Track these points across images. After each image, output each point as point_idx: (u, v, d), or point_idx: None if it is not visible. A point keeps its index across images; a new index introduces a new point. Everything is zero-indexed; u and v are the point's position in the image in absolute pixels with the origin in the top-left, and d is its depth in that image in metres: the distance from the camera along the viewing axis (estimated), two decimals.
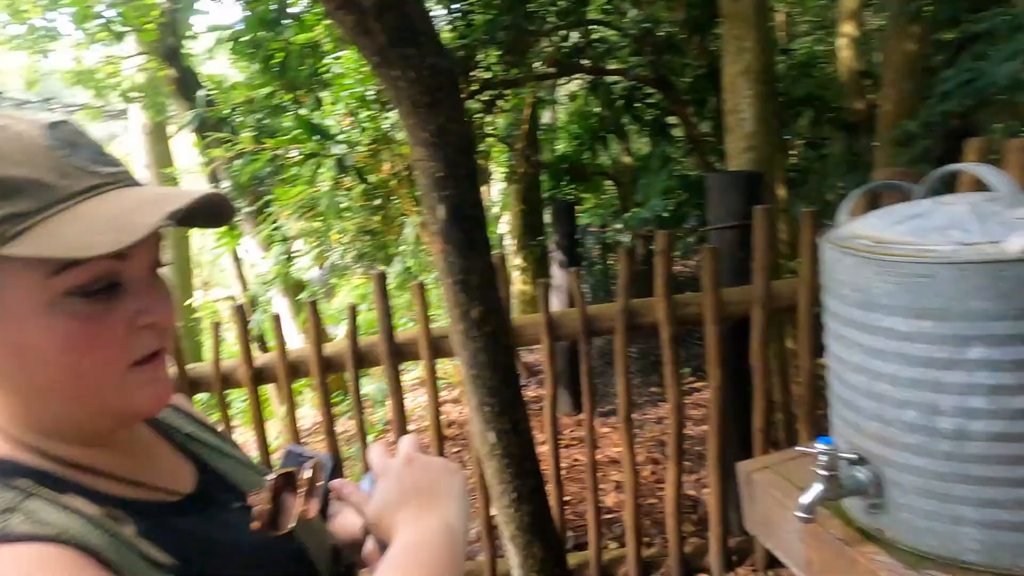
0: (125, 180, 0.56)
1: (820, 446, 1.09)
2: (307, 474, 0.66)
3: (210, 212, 0.59)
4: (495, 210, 8.56)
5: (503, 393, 1.67)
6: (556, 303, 4.82)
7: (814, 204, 4.17)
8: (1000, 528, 0.97)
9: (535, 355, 6.00)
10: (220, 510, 0.66)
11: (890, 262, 0.96)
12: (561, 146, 8.23)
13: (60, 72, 6.87)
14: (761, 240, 2.22)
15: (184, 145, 11.33)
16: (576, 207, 8.79)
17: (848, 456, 1.09)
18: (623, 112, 5.38)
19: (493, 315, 1.68)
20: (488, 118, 5.74)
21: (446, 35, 5.22)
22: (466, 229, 1.62)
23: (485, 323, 1.66)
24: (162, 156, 8.87)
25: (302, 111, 3.70)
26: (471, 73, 4.94)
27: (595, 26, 4.91)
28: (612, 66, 5.19)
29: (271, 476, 0.66)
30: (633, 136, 7.78)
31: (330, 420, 2.56)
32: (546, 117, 9.01)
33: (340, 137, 4.31)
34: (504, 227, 7.72)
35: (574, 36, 4.72)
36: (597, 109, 6.90)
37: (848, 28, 4.10)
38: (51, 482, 0.54)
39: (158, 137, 8.93)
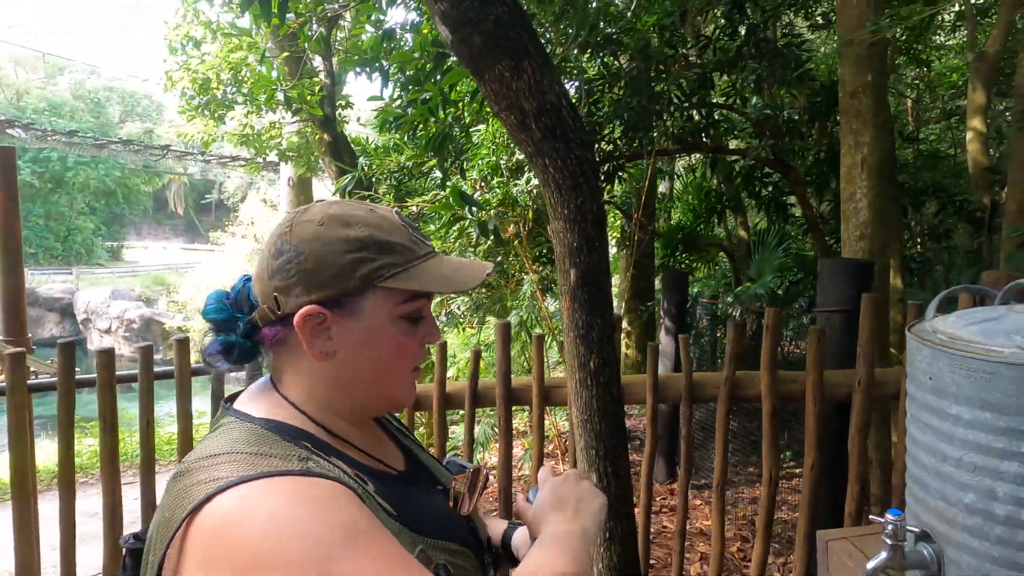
0: (436, 251, 0.84)
1: (890, 517, 1.22)
2: (478, 477, 0.89)
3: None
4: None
5: (609, 440, 1.87)
6: (660, 368, 4.93)
7: (935, 295, 4.09)
8: None
9: (633, 421, 6.08)
10: (423, 488, 0.87)
11: (959, 356, 1.11)
12: (676, 216, 8.40)
13: (228, 133, 7.92)
14: (866, 327, 2.31)
15: (323, 195, 12.53)
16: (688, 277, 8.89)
17: (914, 530, 1.21)
18: (741, 188, 5.50)
19: (608, 367, 1.90)
20: (610, 187, 6.07)
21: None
22: (592, 292, 1.87)
23: (601, 373, 1.89)
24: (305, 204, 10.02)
25: (452, 180, 4.16)
26: (596, 146, 5.31)
27: (717, 108, 5.13)
28: (732, 145, 5.36)
29: (463, 473, 0.88)
30: (750, 212, 7.84)
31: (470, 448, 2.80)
32: (662, 187, 9.26)
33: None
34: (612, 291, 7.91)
35: (696, 115, 4.96)
36: (714, 183, 7.07)
37: (976, 123, 4.10)
38: (322, 447, 0.76)
39: (302, 189, 10.09)
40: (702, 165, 7.26)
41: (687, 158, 8.76)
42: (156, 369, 2.64)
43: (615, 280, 8.12)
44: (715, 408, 4.45)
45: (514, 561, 0.98)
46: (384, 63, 3.36)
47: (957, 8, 6.32)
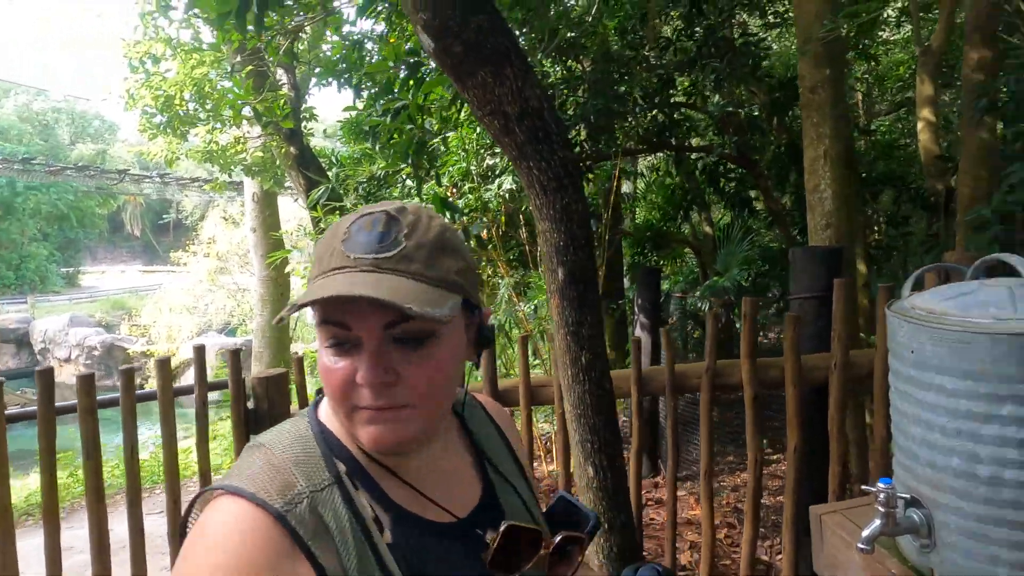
0: (369, 266, 0.67)
1: (881, 486, 1.29)
2: (514, 536, 0.74)
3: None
4: None
5: (603, 432, 1.92)
6: None
7: (895, 280, 4.27)
8: None
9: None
10: (473, 544, 0.75)
11: (939, 329, 1.18)
12: (642, 215, 8.55)
13: (191, 150, 7.79)
14: (839, 311, 2.41)
15: (288, 210, 12.38)
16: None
17: (904, 496, 1.28)
18: (705, 185, 5.64)
19: (599, 362, 1.95)
20: None
21: None
22: (580, 289, 1.92)
23: (592, 368, 1.94)
24: (272, 220, 9.85)
25: (427, 187, 4.18)
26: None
27: (679, 108, 5.25)
28: (695, 143, 5.50)
29: (508, 524, 0.74)
30: (714, 208, 8.03)
31: None
32: (627, 187, 9.41)
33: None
34: None
35: (659, 115, 5.07)
36: (678, 181, 7.22)
37: (926, 113, 4.27)
38: (357, 472, 0.71)
39: (267, 203, 9.95)
40: (665, 164, 7.40)
41: (650, 157, 8.92)
42: (110, 396, 2.58)
43: None
44: (692, 401, 4.55)
45: None
46: (353, 74, 3.38)
47: (900, 5, 6.58)
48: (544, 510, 0.92)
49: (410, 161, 3.39)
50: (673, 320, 7.28)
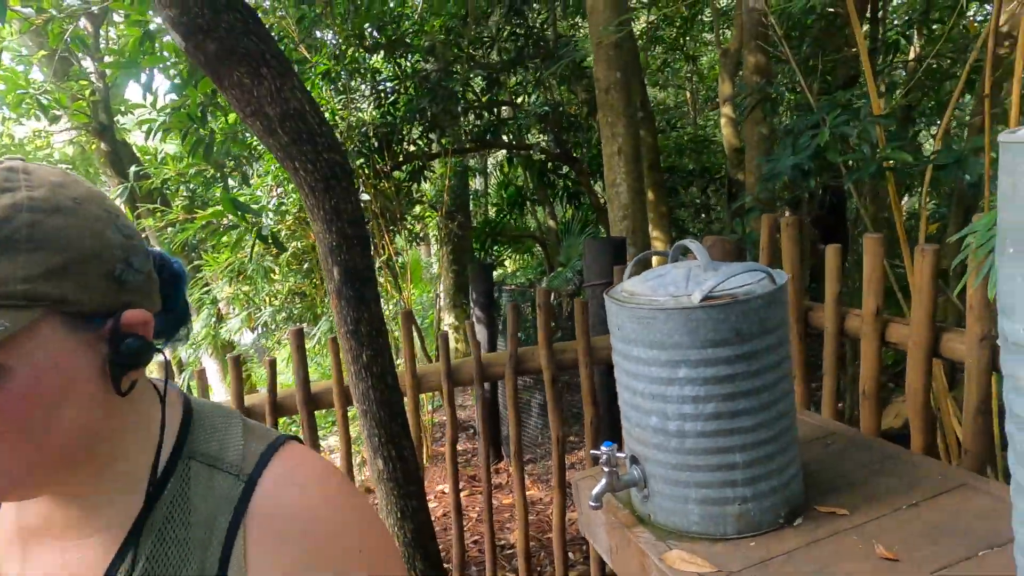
0: None
1: (603, 448, 1.44)
2: None
3: None
4: (435, 269, 8.98)
5: (390, 426, 1.98)
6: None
7: None
8: (709, 504, 1.34)
9: (465, 412, 6.29)
10: None
11: (632, 308, 1.34)
12: (493, 211, 8.77)
13: None
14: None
15: None
16: (500, 267, 9.32)
17: (621, 455, 1.45)
18: (535, 181, 5.89)
19: (381, 358, 2.00)
20: (417, 185, 6.21)
21: (374, 113, 5.70)
22: (357, 288, 1.96)
23: (374, 364, 1.99)
24: None
25: (230, 186, 4.03)
26: (397, 147, 5.43)
27: (507, 107, 5.44)
28: (534, 140, 5.72)
29: None
30: (558, 203, 8.39)
31: None
32: (477, 183, 9.59)
33: (272, 205, 4.64)
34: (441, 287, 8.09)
35: (487, 114, 5.22)
36: (518, 178, 7.48)
37: (726, 109, 4.73)
38: None
39: None
40: (505, 161, 7.63)
41: (500, 155, 9.15)
42: None
43: (442, 277, 8.30)
44: (530, 385, 4.73)
45: None
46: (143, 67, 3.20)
47: (708, 9, 7.17)
48: None
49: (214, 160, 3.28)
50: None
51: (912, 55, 4.44)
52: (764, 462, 1.33)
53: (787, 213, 5.10)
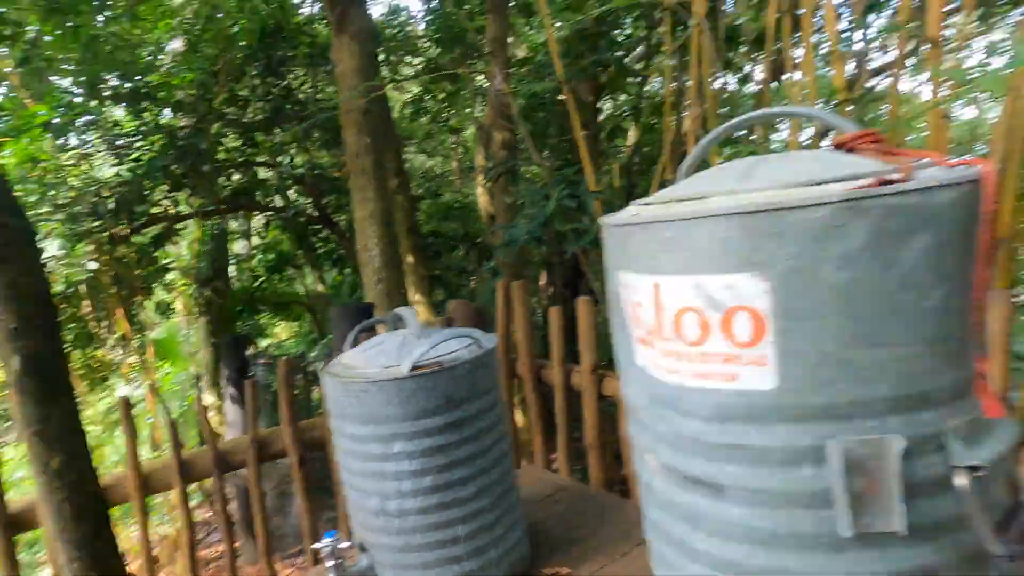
0: None
1: (325, 540, 1.34)
2: None
3: None
4: (193, 342, 8.11)
5: (91, 545, 1.66)
6: (230, 435, 4.68)
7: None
8: None
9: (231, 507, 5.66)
10: None
11: (346, 382, 1.28)
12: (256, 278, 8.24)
13: None
14: None
15: None
16: (271, 336, 8.75)
17: (346, 544, 1.35)
18: (295, 245, 5.67)
19: (77, 462, 1.69)
20: (163, 251, 5.63)
21: (110, 171, 5.11)
22: (43, 379, 1.65)
23: (68, 471, 1.67)
24: None
25: None
26: (138, 207, 4.89)
27: (261, 167, 5.21)
28: (283, 204, 5.50)
29: None
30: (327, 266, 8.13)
31: None
32: (241, 247, 8.97)
33: None
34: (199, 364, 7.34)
35: (239, 175, 4.95)
36: (283, 241, 7.15)
37: (480, 179, 4.99)
38: None
39: None
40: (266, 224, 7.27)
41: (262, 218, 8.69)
42: None
43: (201, 351, 7.54)
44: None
45: None
46: None
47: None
48: None
49: None
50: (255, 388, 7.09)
51: (630, 141, 5.11)
52: (487, 531, 1.32)
53: (542, 274, 5.46)
